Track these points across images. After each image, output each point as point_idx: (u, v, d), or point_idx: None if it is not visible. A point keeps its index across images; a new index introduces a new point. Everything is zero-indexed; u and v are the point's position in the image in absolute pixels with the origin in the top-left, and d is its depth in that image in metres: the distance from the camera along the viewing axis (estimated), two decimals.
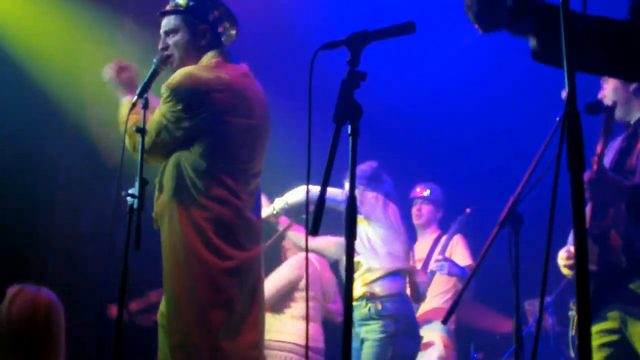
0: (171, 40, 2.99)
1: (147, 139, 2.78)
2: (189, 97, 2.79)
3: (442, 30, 5.59)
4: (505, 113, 5.81)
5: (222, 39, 3.07)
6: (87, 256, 5.44)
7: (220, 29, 3.04)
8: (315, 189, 3.96)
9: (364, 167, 4.34)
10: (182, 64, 2.96)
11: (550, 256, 3.28)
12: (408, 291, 4.30)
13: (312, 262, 4.71)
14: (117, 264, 2.58)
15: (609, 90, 3.09)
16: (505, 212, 2.53)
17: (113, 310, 3.65)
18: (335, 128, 1.71)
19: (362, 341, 4.06)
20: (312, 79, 1.79)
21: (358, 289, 4.11)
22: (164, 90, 2.83)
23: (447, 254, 4.97)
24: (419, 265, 5.10)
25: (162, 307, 2.81)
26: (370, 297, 4.06)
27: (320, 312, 4.74)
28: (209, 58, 2.94)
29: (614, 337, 2.91)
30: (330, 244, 4.42)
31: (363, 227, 4.16)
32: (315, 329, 4.66)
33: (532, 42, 1.83)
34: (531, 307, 5.15)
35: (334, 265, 4.84)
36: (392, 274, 4.12)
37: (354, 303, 4.07)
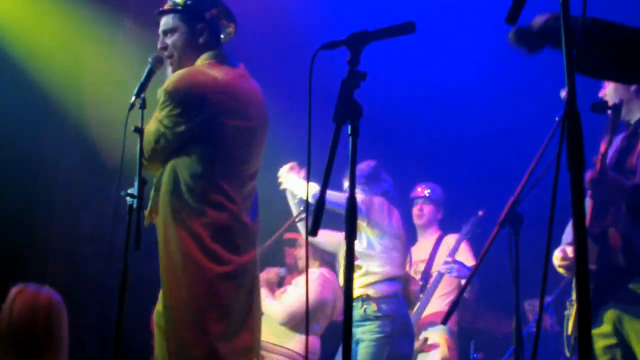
0: (169, 40, 2.99)
1: (147, 148, 2.78)
2: (187, 100, 2.78)
3: (442, 30, 5.59)
4: (505, 113, 5.81)
5: (221, 37, 3.06)
6: (87, 256, 5.44)
7: (218, 28, 3.04)
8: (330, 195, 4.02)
9: (362, 167, 4.35)
10: (181, 63, 2.96)
11: (550, 256, 3.28)
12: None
13: (331, 281, 4.70)
14: (117, 263, 2.58)
15: (610, 89, 3.09)
16: (505, 212, 2.53)
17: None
18: (335, 128, 1.71)
19: (358, 342, 4.07)
20: (312, 79, 1.79)
21: (355, 290, 4.12)
22: (160, 94, 2.82)
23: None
24: (421, 267, 5.10)
25: (159, 305, 2.81)
26: (366, 299, 4.07)
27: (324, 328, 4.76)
28: (203, 60, 2.94)
29: (612, 341, 2.91)
30: (334, 239, 4.44)
31: (366, 233, 4.18)
32: (315, 341, 4.68)
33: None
34: (531, 307, 5.15)
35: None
36: (389, 280, 4.14)
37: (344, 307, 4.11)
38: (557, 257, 3.09)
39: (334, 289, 4.66)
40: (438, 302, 4.89)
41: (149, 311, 2.85)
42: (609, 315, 2.91)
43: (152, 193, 2.88)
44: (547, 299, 4.65)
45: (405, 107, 6.13)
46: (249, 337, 2.85)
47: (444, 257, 5.02)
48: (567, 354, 3.19)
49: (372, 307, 4.05)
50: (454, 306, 2.71)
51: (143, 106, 2.70)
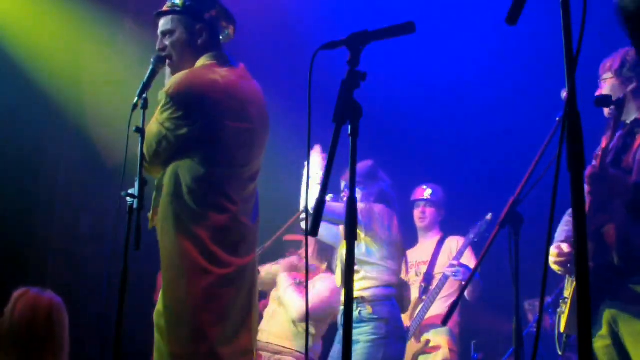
0: (168, 41, 2.98)
1: (149, 150, 2.78)
2: (188, 102, 2.78)
3: (442, 30, 5.59)
4: (505, 113, 5.81)
5: (220, 38, 3.06)
6: (87, 256, 5.44)
7: (217, 29, 3.04)
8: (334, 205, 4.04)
9: (359, 166, 4.35)
10: (179, 64, 2.96)
11: None
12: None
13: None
14: (117, 263, 2.58)
15: (606, 89, 3.09)
16: (505, 212, 2.53)
17: (156, 296, 3.69)
18: (335, 128, 1.71)
19: (353, 343, 4.07)
20: (312, 79, 1.79)
21: None
22: (162, 96, 2.82)
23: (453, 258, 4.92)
24: (423, 268, 5.10)
25: (159, 305, 2.80)
26: (361, 301, 4.09)
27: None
28: (203, 61, 2.93)
29: (606, 342, 2.91)
30: (332, 231, 4.45)
31: (365, 242, 4.19)
32: (320, 343, 4.71)
33: None
34: (531, 307, 5.15)
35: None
36: (385, 286, 4.17)
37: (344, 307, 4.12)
38: (552, 254, 3.08)
39: (339, 293, 4.68)
40: (440, 305, 4.88)
41: (149, 311, 2.85)
42: (605, 315, 2.91)
43: (153, 194, 2.88)
44: (547, 299, 4.65)
45: (405, 107, 6.13)
46: (248, 338, 2.85)
47: (445, 259, 5.01)
48: (559, 352, 3.19)
49: (367, 310, 4.08)
50: (453, 307, 2.71)
51: (145, 106, 2.70)
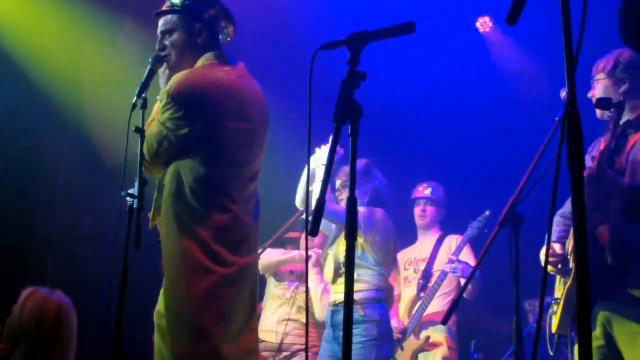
0: (168, 41, 2.98)
1: (150, 150, 2.78)
2: (189, 102, 2.78)
3: (442, 30, 5.60)
4: (505, 113, 5.82)
5: (219, 38, 3.06)
6: (87, 256, 5.44)
7: (217, 28, 3.04)
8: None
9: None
10: (179, 64, 2.95)
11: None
12: None
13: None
14: (118, 263, 2.58)
15: (599, 90, 3.09)
16: (505, 212, 2.53)
17: None
18: (335, 128, 1.71)
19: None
20: (312, 79, 1.80)
21: (340, 295, 4.17)
22: (162, 96, 2.82)
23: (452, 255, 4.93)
24: (421, 265, 5.11)
25: (160, 305, 2.80)
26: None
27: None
28: (203, 61, 2.93)
29: (599, 342, 2.91)
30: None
31: (362, 246, 4.21)
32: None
33: None
34: (531, 307, 5.15)
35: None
36: (376, 289, 4.20)
37: (336, 308, 4.20)
38: (544, 254, 3.08)
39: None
40: (437, 302, 4.89)
41: (149, 311, 2.85)
42: (599, 316, 2.91)
43: (154, 194, 2.87)
44: (547, 299, 4.64)
45: (405, 107, 6.13)
46: (251, 338, 2.85)
47: (444, 256, 5.01)
48: (550, 353, 3.19)
49: (358, 312, 4.09)
50: (453, 306, 2.71)
51: (144, 106, 2.70)
